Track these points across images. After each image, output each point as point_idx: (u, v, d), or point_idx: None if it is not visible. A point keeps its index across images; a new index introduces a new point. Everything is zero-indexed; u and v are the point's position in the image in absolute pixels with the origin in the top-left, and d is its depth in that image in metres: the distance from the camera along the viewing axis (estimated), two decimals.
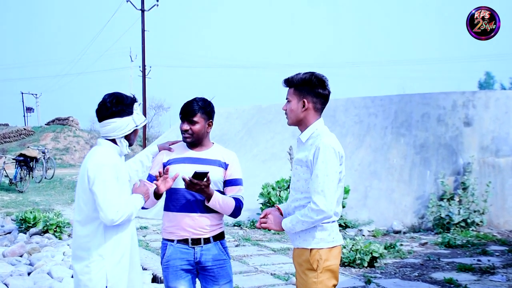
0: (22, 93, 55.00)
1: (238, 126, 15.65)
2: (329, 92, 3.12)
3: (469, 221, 9.72)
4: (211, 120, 3.45)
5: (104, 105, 3.14)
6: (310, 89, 3.06)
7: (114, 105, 3.12)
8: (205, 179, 3.21)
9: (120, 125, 3.13)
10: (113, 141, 3.18)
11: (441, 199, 10.25)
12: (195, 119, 3.36)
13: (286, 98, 3.14)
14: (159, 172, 3.30)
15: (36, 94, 56.39)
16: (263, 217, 3.15)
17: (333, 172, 2.91)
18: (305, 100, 3.06)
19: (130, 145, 3.27)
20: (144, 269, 6.49)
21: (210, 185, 3.26)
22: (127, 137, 3.22)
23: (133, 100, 3.21)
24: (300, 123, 3.10)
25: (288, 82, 3.13)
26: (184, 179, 3.21)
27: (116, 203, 3.01)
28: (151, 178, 3.41)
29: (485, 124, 11.34)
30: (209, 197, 3.28)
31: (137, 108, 3.21)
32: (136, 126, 3.19)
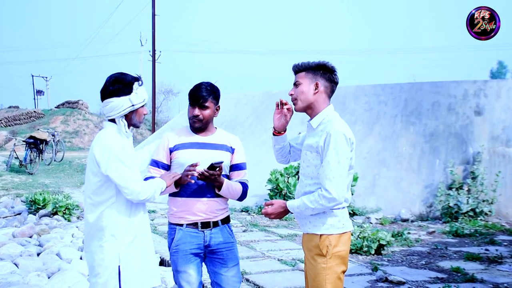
0: (33, 76, 55.15)
1: (247, 112, 15.62)
2: (337, 82, 3.11)
3: (477, 210, 9.68)
4: (218, 105, 3.47)
5: (104, 85, 3.14)
6: (323, 73, 3.04)
7: (111, 84, 3.11)
8: (217, 169, 3.23)
9: (117, 105, 3.10)
10: (115, 121, 3.17)
11: (450, 188, 10.21)
12: (207, 104, 3.37)
13: (295, 83, 3.10)
14: (192, 165, 3.24)
15: (46, 77, 56.54)
16: (267, 212, 3.12)
17: (345, 159, 2.90)
18: (318, 83, 3.03)
19: (135, 126, 3.24)
20: None
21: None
22: (127, 118, 3.18)
23: (134, 79, 3.15)
24: (310, 107, 3.07)
25: (299, 67, 3.08)
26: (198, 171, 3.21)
27: (136, 177, 3.06)
28: (157, 164, 3.41)
29: (496, 113, 11.24)
30: (220, 185, 3.32)
31: (137, 88, 3.15)
32: (133, 105, 3.13)
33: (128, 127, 3.21)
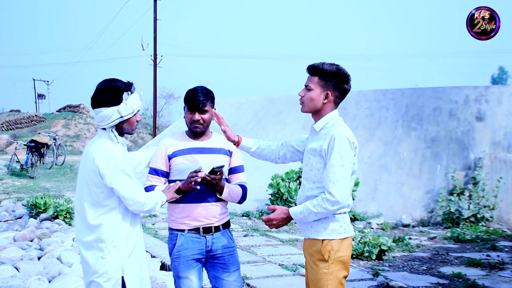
0: (34, 80, 55.31)
1: (248, 116, 15.63)
2: (350, 89, 3.09)
3: (479, 216, 9.66)
4: (214, 108, 3.48)
5: (94, 93, 3.07)
6: (336, 83, 3.01)
7: (101, 93, 3.03)
8: (218, 173, 3.23)
9: (106, 115, 3.02)
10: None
11: (451, 193, 10.20)
12: (206, 108, 3.37)
13: (306, 85, 3.06)
14: (195, 171, 3.24)
15: (47, 81, 56.73)
16: (269, 218, 3.09)
17: (348, 163, 2.90)
18: (329, 93, 3.01)
19: (128, 133, 3.19)
20: (153, 256, 6.53)
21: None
22: (118, 127, 3.11)
23: (125, 87, 3.06)
24: (316, 113, 3.07)
25: (314, 70, 3.04)
26: (199, 176, 3.21)
27: (139, 188, 3.06)
28: (157, 172, 3.39)
29: (498, 119, 11.24)
30: (221, 190, 3.32)
31: (127, 97, 3.05)
32: (121, 117, 3.04)
33: (122, 136, 3.17)
